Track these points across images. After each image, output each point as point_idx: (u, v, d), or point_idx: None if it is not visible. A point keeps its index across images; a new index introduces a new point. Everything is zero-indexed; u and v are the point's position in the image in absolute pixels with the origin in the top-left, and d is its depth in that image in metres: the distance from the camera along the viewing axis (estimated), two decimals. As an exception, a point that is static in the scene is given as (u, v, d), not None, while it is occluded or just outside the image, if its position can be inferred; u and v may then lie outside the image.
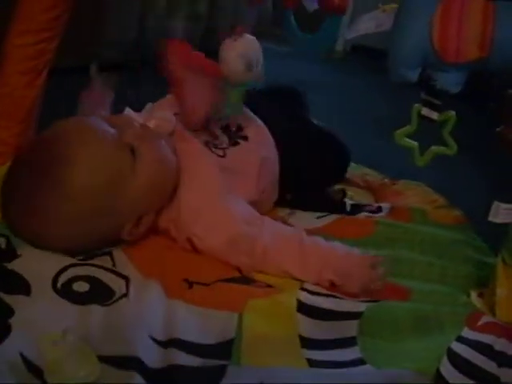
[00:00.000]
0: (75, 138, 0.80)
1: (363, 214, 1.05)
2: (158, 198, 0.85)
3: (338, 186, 1.12)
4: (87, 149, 0.80)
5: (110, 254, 0.83)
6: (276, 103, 1.10)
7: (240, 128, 0.97)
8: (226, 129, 0.97)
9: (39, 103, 0.88)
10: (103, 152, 0.80)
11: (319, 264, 0.82)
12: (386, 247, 0.93)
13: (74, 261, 0.79)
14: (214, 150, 0.93)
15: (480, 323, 0.79)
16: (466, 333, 0.77)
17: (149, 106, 0.96)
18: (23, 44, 0.83)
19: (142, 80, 1.53)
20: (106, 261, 0.82)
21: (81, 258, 0.81)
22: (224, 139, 0.96)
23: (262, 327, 0.74)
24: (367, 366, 0.71)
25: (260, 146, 0.98)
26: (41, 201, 0.78)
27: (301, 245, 0.84)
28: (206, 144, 0.94)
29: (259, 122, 1.01)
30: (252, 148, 0.97)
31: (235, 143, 0.96)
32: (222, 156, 0.93)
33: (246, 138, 0.97)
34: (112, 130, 0.83)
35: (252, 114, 1.02)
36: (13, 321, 0.69)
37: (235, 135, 0.97)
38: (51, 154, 0.79)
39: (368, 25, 0.82)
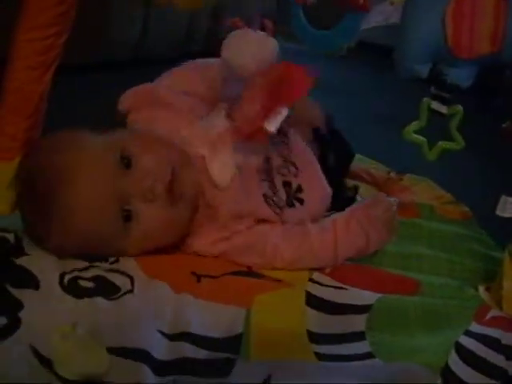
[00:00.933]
0: (70, 181, 0.75)
1: None
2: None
3: (351, 183, 1.11)
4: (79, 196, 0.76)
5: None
6: None
7: (300, 189, 0.90)
8: (286, 185, 0.90)
9: (47, 99, 0.88)
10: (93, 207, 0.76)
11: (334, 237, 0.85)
12: (394, 243, 0.92)
13: (78, 265, 0.79)
14: (272, 206, 0.87)
15: (487, 317, 0.79)
16: (474, 327, 0.77)
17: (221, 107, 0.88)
18: (31, 39, 0.82)
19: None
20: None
21: None
22: (282, 196, 0.89)
23: (269, 323, 0.74)
24: (376, 360, 0.71)
25: (312, 214, 0.91)
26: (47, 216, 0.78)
27: (304, 229, 0.86)
28: (265, 197, 0.87)
29: (322, 181, 0.94)
30: (304, 216, 0.89)
31: (292, 204, 0.89)
32: (278, 214, 0.88)
33: (302, 202, 0.90)
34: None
35: (320, 171, 0.94)
36: (22, 314, 0.69)
37: (294, 195, 0.90)
38: (54, 188, 0.76)
39: (377, 18, 0.82)
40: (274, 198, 0.87)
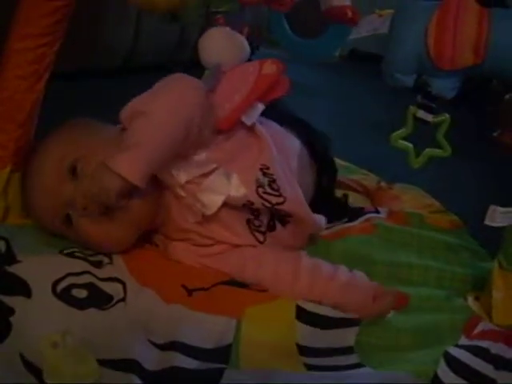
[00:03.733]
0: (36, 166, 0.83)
1: (366, 217, 1.03)
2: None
3: (340, 192, 1.11)
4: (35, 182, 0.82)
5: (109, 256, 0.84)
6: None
7: (288, 215, 0.86)
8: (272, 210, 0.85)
9: (39, 108, 0.88)
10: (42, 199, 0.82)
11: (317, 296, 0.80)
12: (384, 251, 0.93)
13: (72, 270, 0.79)
14: (255, 233, 0.86)
15: (477, 331, 0.79)
16: (463, 341, 0.77)
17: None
18: (23, 48, 0.82)
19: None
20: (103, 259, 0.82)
21: (79, 251, 0.82)
22: (264, 218, 0.86)
23: (259, 335, 0.74)
24: (366, 369, 0.72)
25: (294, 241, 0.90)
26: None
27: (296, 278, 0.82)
28: (248, 223, 0.85)
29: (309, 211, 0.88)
30: (284, 238, 0.88)
31: (273, 228, 0.87)
32: (262, 242, 0.86)
33: (285, 223, 0.87)
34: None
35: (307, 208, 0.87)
36: (13, 320, 0.70)
37: (278, 216, 0.86)
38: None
39: (367, 27, 0.83)
40: (256, 222, 0.86)
